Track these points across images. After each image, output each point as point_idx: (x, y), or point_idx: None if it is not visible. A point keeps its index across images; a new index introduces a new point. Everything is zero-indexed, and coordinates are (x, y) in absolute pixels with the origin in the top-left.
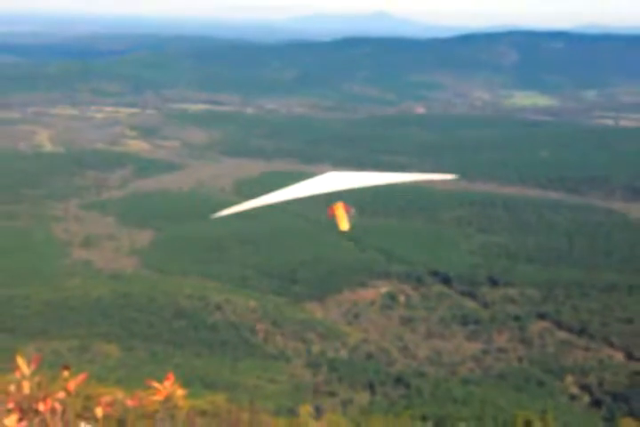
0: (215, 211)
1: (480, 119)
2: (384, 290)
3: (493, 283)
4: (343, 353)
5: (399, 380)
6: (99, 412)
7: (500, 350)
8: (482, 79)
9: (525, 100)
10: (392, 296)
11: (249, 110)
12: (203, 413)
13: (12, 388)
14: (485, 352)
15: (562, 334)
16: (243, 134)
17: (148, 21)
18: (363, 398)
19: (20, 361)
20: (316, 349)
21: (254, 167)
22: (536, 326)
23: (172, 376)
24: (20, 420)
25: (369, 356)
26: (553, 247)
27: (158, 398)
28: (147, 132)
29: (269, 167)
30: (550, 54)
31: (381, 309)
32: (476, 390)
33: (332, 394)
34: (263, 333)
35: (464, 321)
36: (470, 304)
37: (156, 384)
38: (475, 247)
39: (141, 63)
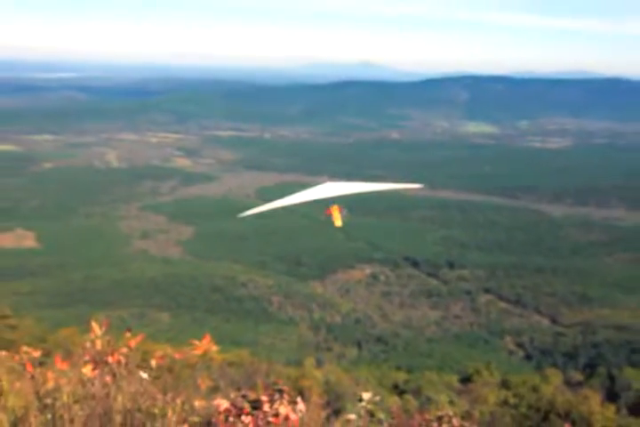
0: (241, 211)
1: (440, 143)
2: (368, 271)
3: (451, 266)
4: (337, 319)
5: (379, 339)
6: (153, 363)
7: (456, 316)
8: (442, 113)
9: (474, 128)
10: (374, 276)
11: (266, 136)
12: (231, 364)
13: (88, 345)
14: (444, 318)
15: (502, 305)
16: (261, 154)
17: (187, 68)
18: (352, 352)
19: (94, 324)
20: (316, 316)
21: (270, 179)
22: (483, 299)
23: (208, 336)
24: (94, 369)
25: (357, 321)
26: (495, 239)
27: (198, 352)
28: (189, 153)
29: (282, 179)
30: (493, 93)
31: (366, 285)
32: (438, 346)
33: (329, 349)
34: (277, 303)
35: (428, 294)
36: (433, 282)
37: (196, 342)
38: (437, 239)
39: (184, 100)
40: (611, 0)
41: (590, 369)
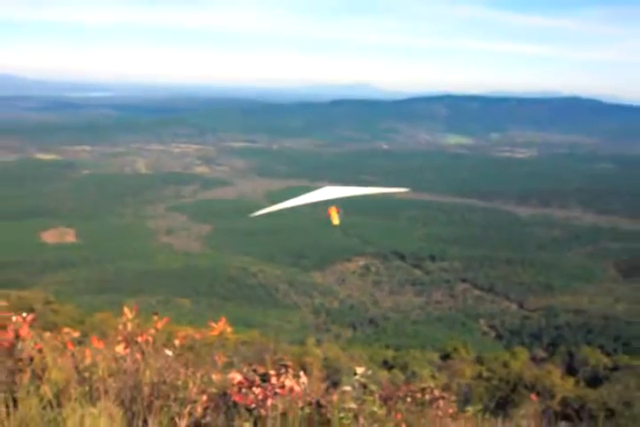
0: (252, 212)
1: (424, 152)
2: (362, 263)
3: (432, 258)
4: (335, 304)
5: (371, 321)
6: (176, 342)
7: (437, 302)
8: (424, 127)
9: (453, 140)
10: (367, 267)
11: (274, 146)
12: (243, 343)
13: (120, 327)
14: (427, 303)
15: (477, 292)
16: (270, 162)
17: (207, 88)
18: (348, 333)
19: (125, 309)
20: (317, 301)
21: (278, 184)
22: (460, 287)
23: (223, 319)
24: (125, 348)
25: (352, 306)
26: (471, 235)
27: (215, 333)
28: (208, 161)
29: (287, 184)
30: (469, 110)
31: (360, 276)
32: (422, 328)
33: (328, 330)
34: (283, 291)
35: (413, 283)
36: (417, 272)
37: (213, 324)
38: (421, 235)
39: (204, 116)
40: (575, 31)
41: (553, 347)
